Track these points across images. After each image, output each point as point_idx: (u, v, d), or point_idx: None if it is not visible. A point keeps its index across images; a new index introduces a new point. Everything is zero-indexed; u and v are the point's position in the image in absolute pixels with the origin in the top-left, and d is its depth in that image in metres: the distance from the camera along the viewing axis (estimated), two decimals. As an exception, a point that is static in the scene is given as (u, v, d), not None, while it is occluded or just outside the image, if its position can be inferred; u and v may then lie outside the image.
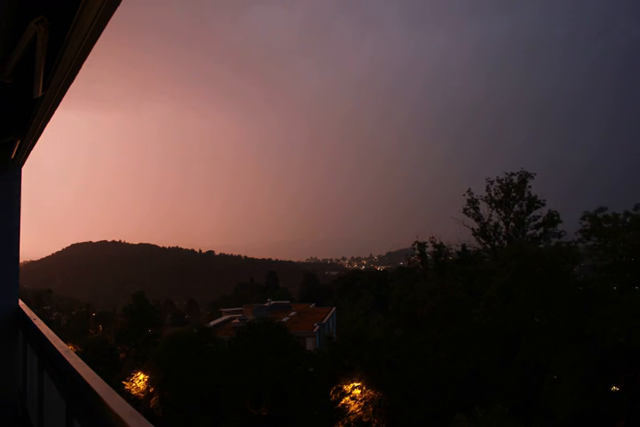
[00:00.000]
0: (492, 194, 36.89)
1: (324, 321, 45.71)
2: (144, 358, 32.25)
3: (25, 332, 5.32)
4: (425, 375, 26.32)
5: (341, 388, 27.61)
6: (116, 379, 30.04)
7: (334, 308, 53.56)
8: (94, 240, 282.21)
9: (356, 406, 26.98)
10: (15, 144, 5.19)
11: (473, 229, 37.56)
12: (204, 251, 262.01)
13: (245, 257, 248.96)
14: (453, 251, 37.71)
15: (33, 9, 2.23)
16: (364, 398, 27.04)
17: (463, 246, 37.99)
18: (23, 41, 2.41)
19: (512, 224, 36.40)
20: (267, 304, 53.98)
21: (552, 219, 34.98)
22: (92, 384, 2.19)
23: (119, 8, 2.10)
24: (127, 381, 30.98)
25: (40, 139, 4.62)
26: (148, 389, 30.58)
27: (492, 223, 37.04)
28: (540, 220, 35.54)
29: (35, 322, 4.44)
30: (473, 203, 37.68)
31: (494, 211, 36.88)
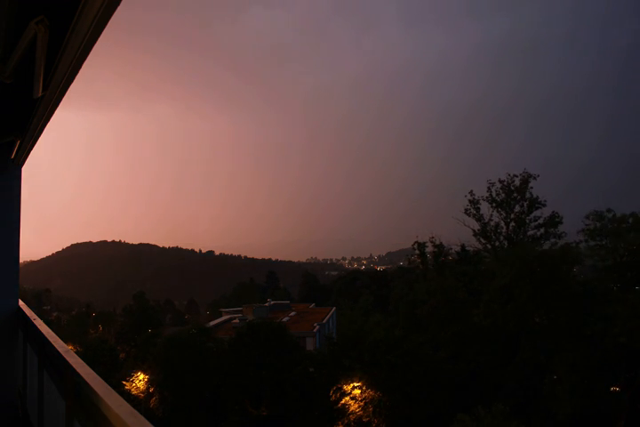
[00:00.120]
0: (494, 194, 36.97)
1: (324, 321, 45.68)
2: (144, 358, 32.26)
3: (25, 332, 5.32)
4: (425, 375, 26.32)
5: (341, 388, 27.62)
6: (116, 379, 30.03)
7: (334, 308, 53.56)
8: (94, 240, 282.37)
9: (356, 406, 26.98)
10: (15, 144, 5.20)
11: (473, 230, 37.63)
12: (203, 251, 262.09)
13: (245, 257, 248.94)
14: (453, 251, 37.74)
15: (33, 9, 2.23)
16: (363, 398, 27.05)
17: (462, 246, 38.01)
18: (23, 41, 2.41)
19: (513, 224, 36.44)
20: (267, 304, 53.91)
21: (553, 220, 35.03)
22: (92, 384, 2.19)
23: (119, 8, 2.10)
24: (127, 381, 30.98)
25: (40, 139, 4.62)
26: (148, 389, 30.58)
27: (492, 223, 37.12)
28: (540, 220, 35.60)
29: (35, 322, 4.44)
30: (474, 203, 37.76)
31: (495, 211, 36.95)
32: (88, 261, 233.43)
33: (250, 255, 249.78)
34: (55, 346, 3.25)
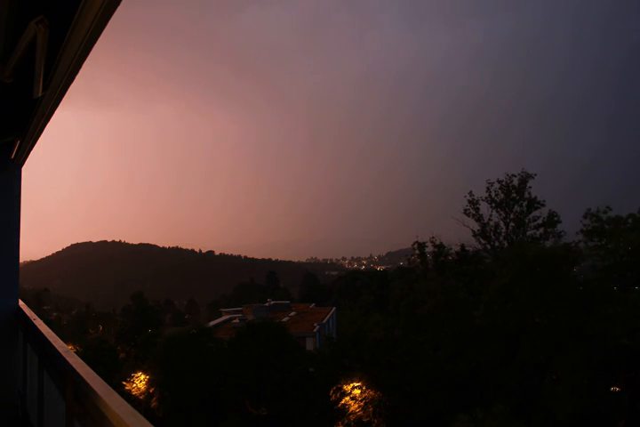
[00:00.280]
0: (493, 195, 37.02)
1: (324, 321, 45.69)
2: (144, 359, 32.25)
3: (25, 332, 5.32)
4: (425, 375, 26.32)
5: (341, 388, 27.62)
6: (116, 379, 30.03)
7: (334, 308, 53.61)
8: (94, 240, 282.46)
9: (356, 406, 26.98)
10: (15, 144, 5.20)
11: (473, 230, 37.68)
12: (204, 251, 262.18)
13: (245, 257, 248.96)
14: (453, 251, 37.76)
15: (33, 9, 2.22)
16: (363, 398, 27.05)
17: (462, 246, 38.04)
18: (23, 41, 2.41)
19: (512, 224, 36.48)
20: (267, 304, 53.92)
21: (552, 219, 35.05)
22: (92, 384, 2.19)
23: (119, 8, 2.10)
24: (127, 382, 30.97)
25: (40, 139, 4.62)
26: (148, 389, 30.58)
27: (492, 223, 37.16)
28: (539, 220, 35.64)
29: (35, 322, 4.44)
30: (473, 203, 37.83)
31: (494, 211, 37.00)
32: (88, 261, 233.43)
33: (250, 255, 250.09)
34: (55, 346, 3.25)
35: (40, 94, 2.98)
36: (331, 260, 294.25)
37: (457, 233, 39.09)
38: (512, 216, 36.48)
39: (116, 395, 1.98)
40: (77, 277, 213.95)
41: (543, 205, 35.74)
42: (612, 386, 25.96)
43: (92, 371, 2.44)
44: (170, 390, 29.21)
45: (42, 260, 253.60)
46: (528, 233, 36.01)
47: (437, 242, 35.61)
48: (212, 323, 44.15)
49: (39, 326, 4.16)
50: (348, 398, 27.28)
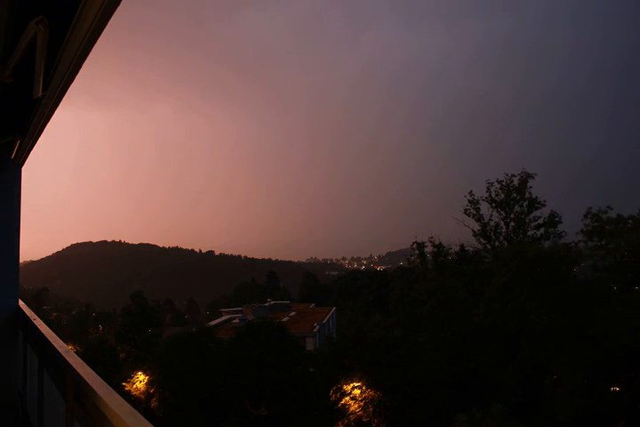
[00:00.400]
0: (493, 195, 37.00)
1: (324, 321, 45.69)
2: (144, 359, 32.26)
3: (25, 332, 5.32)
4: (425, 375, 26.33)
5: (341, 388, 27.62)
6: (116, 380, 30.03)
7: (334, 308, 53.62)
8: (94, 240, 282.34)
9: (356, 406, 26.99)
10: (15, 144, 5.20)
11: (473, 230, 37.66)
12: (203, 251, 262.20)
13: (245, 257, 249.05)
14: (453, 251, 37.77)
15: (33, 9, 2.22)
16: (363, 398, 27.05)
17: (462, 246, 38.04)
18: (23, 41, 2.41)
19: (512, 224, 36.45)
20: (267, 304, 53.94)
21: (552, 219, 35.03)
22: (92, 384, 2.19)
23: (119, 8, 2.10)
24: (128, 382, 30.98)
25: (40, 139, 4.62)
26: (148, 389, 30.59)
27: (492, 223, 37.13)
28: (540, 220, 35.61)
29: (35, 322, 4.44)
30: (474, 203, 37.81)
31: (495, 211, 36.97)
32: (88, 261, 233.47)
33: (250, 255, 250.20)
34: (55, 346, 3.25)
35: (40, 94, 2.98)
36: (331, 260, 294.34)
37: (457, 233, 39.10)
38: (512, 216, 36.45)
39: (116, 395, 1.99)
40: (77, 277, 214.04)
41: (544, 206, 35.71)
42: (612, 386, 25.97)
43: (92, 371, 2.44)
44: (170, 391, 29.22)
45: (42, 260, 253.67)
46: (528, 233, 35.97)
47: (436, 242, 35.63)
48: (212, 323, 44.15)
49: (39, 326, 4.16)
50: (347, 398, 27.28)
